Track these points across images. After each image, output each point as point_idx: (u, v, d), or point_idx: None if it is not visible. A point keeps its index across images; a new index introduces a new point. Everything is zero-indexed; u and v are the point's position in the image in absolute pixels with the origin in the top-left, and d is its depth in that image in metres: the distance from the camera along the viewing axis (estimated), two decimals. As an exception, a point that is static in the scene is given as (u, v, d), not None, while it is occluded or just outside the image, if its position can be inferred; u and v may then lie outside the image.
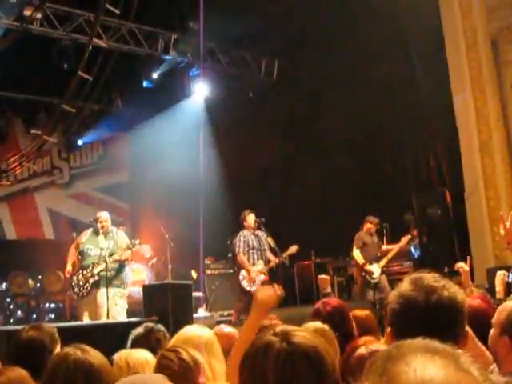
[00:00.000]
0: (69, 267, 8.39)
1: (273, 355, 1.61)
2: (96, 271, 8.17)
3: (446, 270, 8.87)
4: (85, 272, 8.23)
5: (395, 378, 0.99)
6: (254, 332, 2.83)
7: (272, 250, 10.12)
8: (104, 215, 8.54)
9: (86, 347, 2.80)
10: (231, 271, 11.07)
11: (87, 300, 8.20)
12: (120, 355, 3.28)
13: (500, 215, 5.25)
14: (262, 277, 9.89)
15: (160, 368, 2.83)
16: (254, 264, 9.93)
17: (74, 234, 9.74)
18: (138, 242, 8.51)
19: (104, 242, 8.31)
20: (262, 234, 10.06)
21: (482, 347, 2.81)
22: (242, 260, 9.84)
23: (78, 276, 8.25)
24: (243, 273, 9.88)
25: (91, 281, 8.17)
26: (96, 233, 8.43)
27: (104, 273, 8.10)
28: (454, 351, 1.03)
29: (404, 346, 1.05)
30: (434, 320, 1.98)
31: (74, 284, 8.23)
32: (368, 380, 1.03)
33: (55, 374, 2.71)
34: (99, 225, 8.38)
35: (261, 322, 3.03)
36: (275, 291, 2.98)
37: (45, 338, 3.62)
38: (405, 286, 2.10)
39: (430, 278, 2.10)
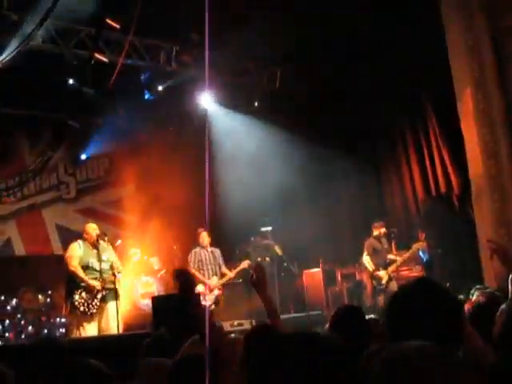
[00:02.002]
0: (94, 283, 8.00)
1: None
2: (106, 285, 8.05)
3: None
4: (88, 289, 7.97)
5: None
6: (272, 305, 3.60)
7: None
8: (96, 226, 8.51)
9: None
10: (240, 280, 11.04)
11: (91, 315, 7.96)
12: (143, 363, 3.40)
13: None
14: (217, 292, 10.24)
15: None
16: (208, 279, 10.24)
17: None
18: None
19: (103, 255, 8.25)
20: (215, 250, 10.47)
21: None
22: (194, 274, 9.84)
23: (80, 294, 7.92)
24: (198, 288, 9.90)
25: (99, 296, 7.98)
26: (92, 245, 8.29)
27: (112, 285, 8.08)
28: None
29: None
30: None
31: (77, 304, 7.86)
32: None
33: None
34: (97, 237, 8.32)
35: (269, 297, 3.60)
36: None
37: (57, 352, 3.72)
38: None
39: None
